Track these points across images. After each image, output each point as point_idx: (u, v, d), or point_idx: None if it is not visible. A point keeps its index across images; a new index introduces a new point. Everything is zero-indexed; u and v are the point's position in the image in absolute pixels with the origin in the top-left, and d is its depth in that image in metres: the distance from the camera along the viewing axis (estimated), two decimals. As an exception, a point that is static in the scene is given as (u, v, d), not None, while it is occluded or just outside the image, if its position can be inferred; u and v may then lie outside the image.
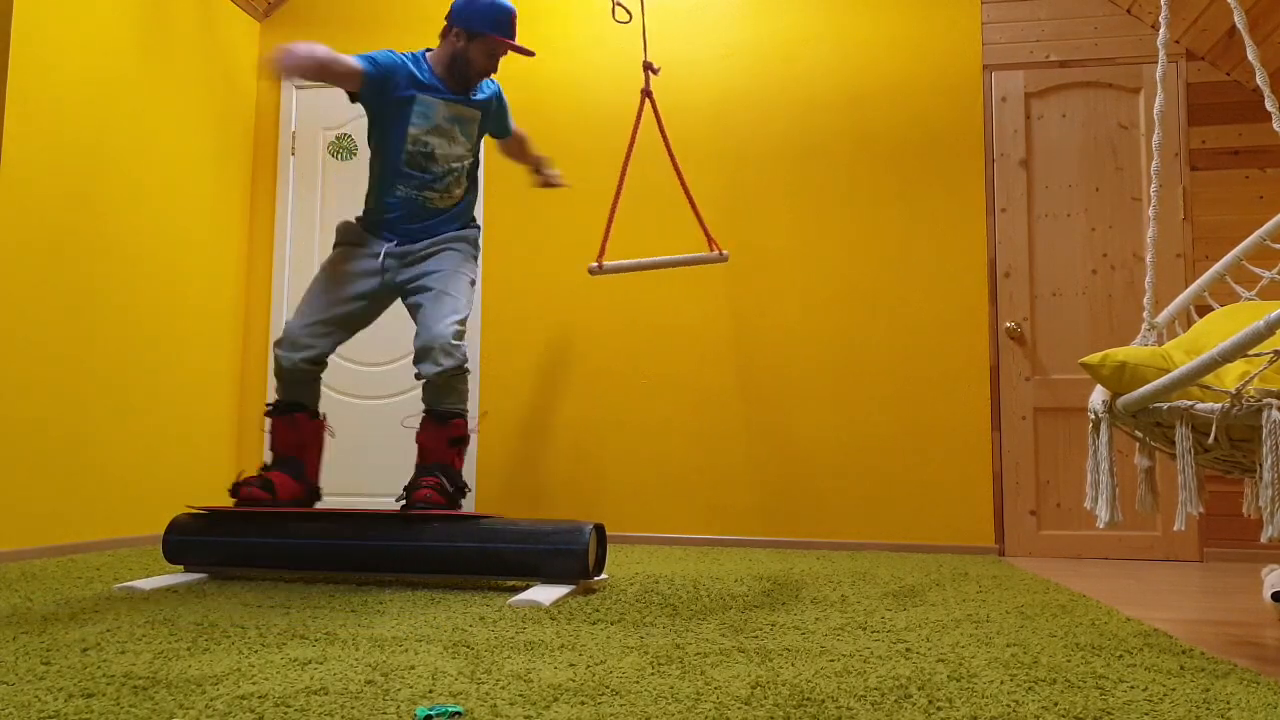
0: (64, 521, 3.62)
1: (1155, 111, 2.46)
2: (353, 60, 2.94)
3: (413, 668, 1.69)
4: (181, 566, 3.05)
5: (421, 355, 2.86)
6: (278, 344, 2.94)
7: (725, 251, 3.34)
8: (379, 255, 3.01)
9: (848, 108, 4.42)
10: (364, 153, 4.74)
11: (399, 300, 3.13)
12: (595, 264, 2.91)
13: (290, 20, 4.88)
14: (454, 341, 2.85)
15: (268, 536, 2.84)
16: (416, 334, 2.90)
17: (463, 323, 2.92)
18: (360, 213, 3.18)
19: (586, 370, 4.47)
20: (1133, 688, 1.61)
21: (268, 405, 3.03)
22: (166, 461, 4.18)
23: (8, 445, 3.38)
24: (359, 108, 4.75)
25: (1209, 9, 3.90)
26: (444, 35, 3.05)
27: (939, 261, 4.28)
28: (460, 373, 2.89)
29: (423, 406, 2.96)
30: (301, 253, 4.75)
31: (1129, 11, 4.26)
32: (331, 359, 4.64)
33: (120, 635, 1.97)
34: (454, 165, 3.07)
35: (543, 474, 4.45)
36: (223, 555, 2.86)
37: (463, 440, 2.93)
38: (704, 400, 4.38)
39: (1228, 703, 1.52)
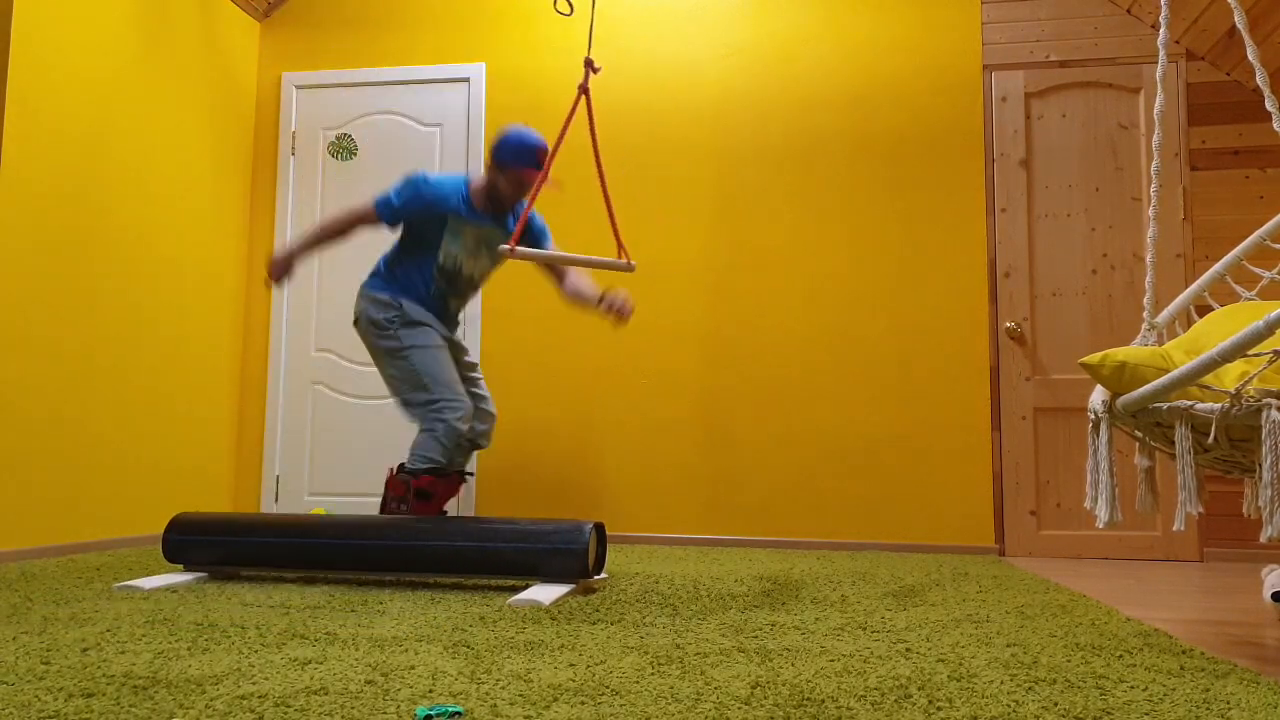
0: (64, 521, 3.62)
1: (1155, 111, 2.46)
2: (357, 209, 3.33)
3: (413, 668, 1.69)
4: (181, 566, 3.06)
5: (487, 434, 3.49)
6: (460, 419, 3.27)
7: (633, 262, 3.41)
8: (445, 337, 3.44)
9: (848, 108, 4.43)
10: (365, 154, 4.75)
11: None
12: (507, 247, 2.98)
13: (290, 20, 4.89)
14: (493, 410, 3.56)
15: (268, 536, 2.84)
16: (480, 415, 3.46)
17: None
18: (384, 269, 3.42)
19: (586, 370, 4.47)
20: (1133, 688, 1.61)
21: (423, 468, 3.25)
22: (166, 461, 4.18)
23: (8, 445, 3.38)
24: (359, 108, 4.79)
25: (1209, 9, 3.90)
26: (487, 167, 3.40)
27: (939, 261, 4.29)
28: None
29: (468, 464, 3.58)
30: (301, 253, 4.75)
31: (1129, 11, 4.26)
32: (329, 359, 4.67)
33: (120, 635, 1.97)
34: (477, 280, 3.48)
35: (543, 474, 4.45)
36: (223, 555, 2.86)
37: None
38: (704, 400, 4.38)
39: (1228, 703, 1.52)
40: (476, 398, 3.48)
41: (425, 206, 3.31)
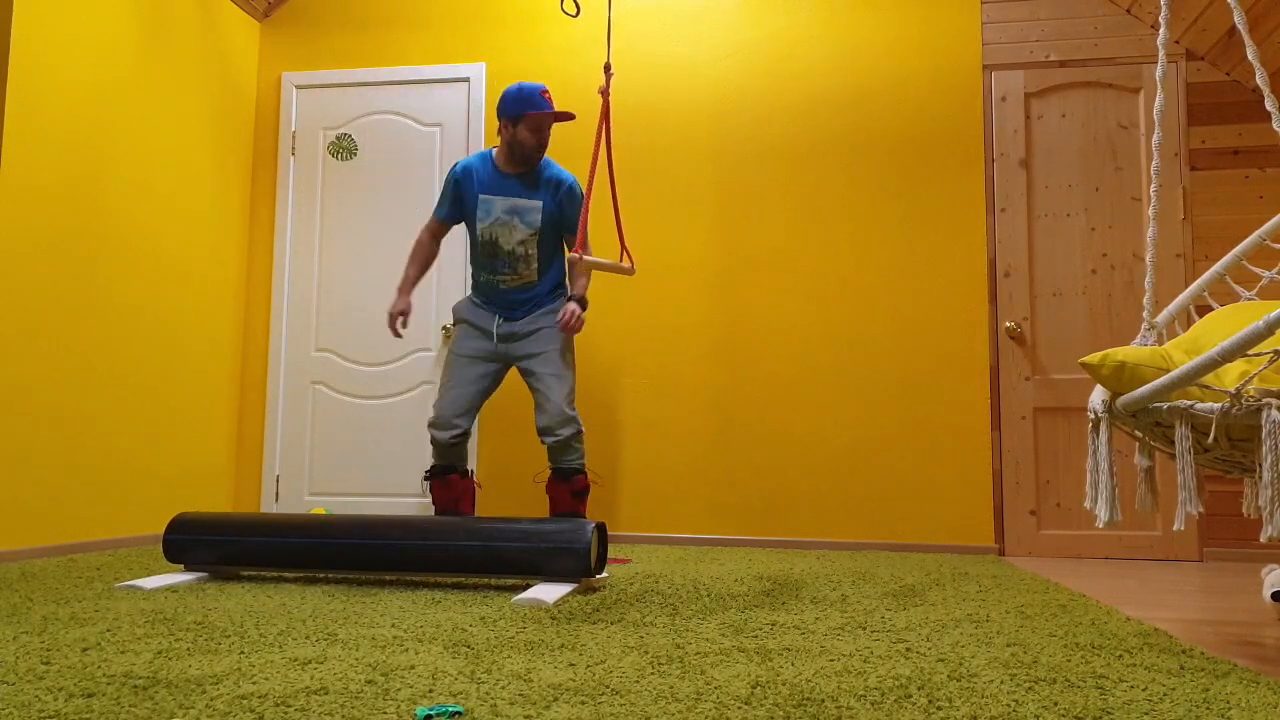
0: (64, 521, 3.62)
1: (1155, 111, 2.46)
2: (434, 225, 3.63)
3: (413, 668, 1.69)
4: (181, 566, 3.06)
5: (545, 431, 3.40)
6: (431, 424, 3.45)
7: (634, 266, 3.54)
8: (493, 334, 3.50)
9: (848, 108, 4.43)
10: (365, 153, 4.75)
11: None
12: (577, 255, 3.16)
13: (290, 20, 4.89)
14: (569, 413, 3.40)
15: (268, 536, 2.84)
16: (539, 412, 3.42)
17: (573, 393, 3.46)
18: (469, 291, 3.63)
19: (587, 370, 4.47)
20: (1133, 687, 1.61)
21: (425, 471, 3.53)
22: (166, 461, 4.18)
23: (8, 445, 3.38)
24: (359, 108, 4.79)
25: (1209, 9, 3.90)
26: (500, 133, 3.50)
27: (939, 261, 4.28)
28: (577, 435, 3.43)
29: (548, 465, 3.53)
30: (301, 252, 4.75)
31: (1129, 11, 4.26)
32: (331, 359, 4.67)
33: (120, 635, 1.97)
34: (517, 250, 3.49)
35: (543, 474, 4.45)
36: (223, 555, 2.86)
37: (584, 492, 3.45)
38: (704, 400, 4.38)
39: (1228, 703, 1.52)
40: (535, 393, 3.47)
41: (455, 184, 3.53)
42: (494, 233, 3.48)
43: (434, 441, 3.47)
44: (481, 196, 3.50)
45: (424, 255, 3.63)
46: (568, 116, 3.49)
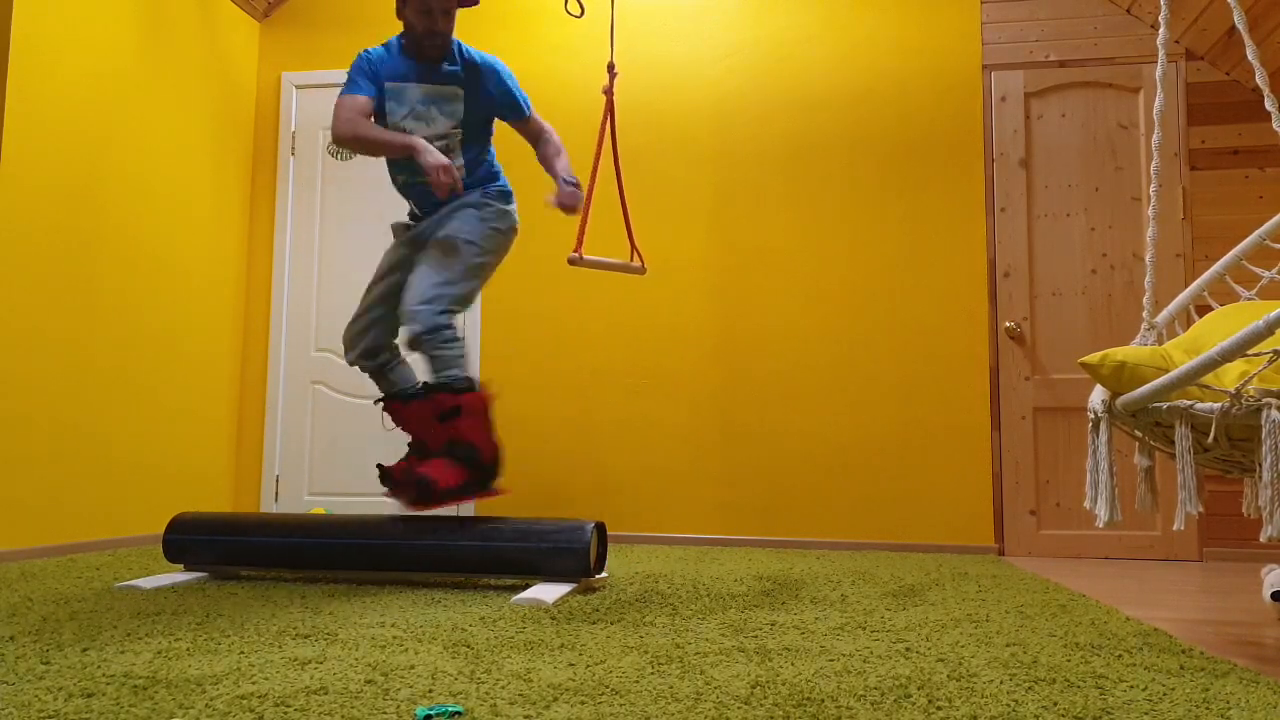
0: (64, 521, 3.62)
1: (1155, 111, 2.46)
2: (363, 106, 2.93)
3: (413, 668, 1.69)
4: (181, 566, 3.06)
5: (402, 316, 2.85)
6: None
7: (645, 265, 3.39)
8: (405, 238, 3.06)
9: (847, 108, 4.43)
10: (369, 165, 4.73)
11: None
12: (577, 255, 3.01)
13: (290, 20, 4.89)
14: (417, 307, 2.79)
15: (268, 536, 2.84)
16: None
17: (453, 290, 2.87)
18: None
19: (586, 370, 4.47)
20: (1132, 687, 1.61)
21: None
22: (166, 461, 4.18)
23: (8, 445, 3.38)
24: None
25: (1209, 9, 3.90)
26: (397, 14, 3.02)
27: (939, 261, 4.28)
28: (432, 338, 2.79)
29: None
30: (301, 252, 4.75)
31: (1129, 11, 4.26)
32: (331, 359, 4.66)
33: (120, 635, 1.97)
34: (438, 146, 2.97)
35: (543, 474, 4.45)
36: (223, 555, 2.86)
37: (453, 413, 2.81)
38: (704, 400, 4.38)
39: (1227, 702, 1.52)
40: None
41: (367, 63, 2.97)
42: (408, 126, 2.96)
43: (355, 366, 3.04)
44: (389, 85, 2.96)
45: (371, 127, 2.95)
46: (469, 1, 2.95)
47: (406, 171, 3.02)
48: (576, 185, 2.95)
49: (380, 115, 2.98)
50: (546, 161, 3.09)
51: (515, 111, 3.08)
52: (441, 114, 2.99)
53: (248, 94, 4.79)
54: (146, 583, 2.68)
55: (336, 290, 4.70)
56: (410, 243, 3.07)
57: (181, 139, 4.29)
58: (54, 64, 3.57)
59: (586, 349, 4.48)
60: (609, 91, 3.19)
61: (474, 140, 3.06)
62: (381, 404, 3.05)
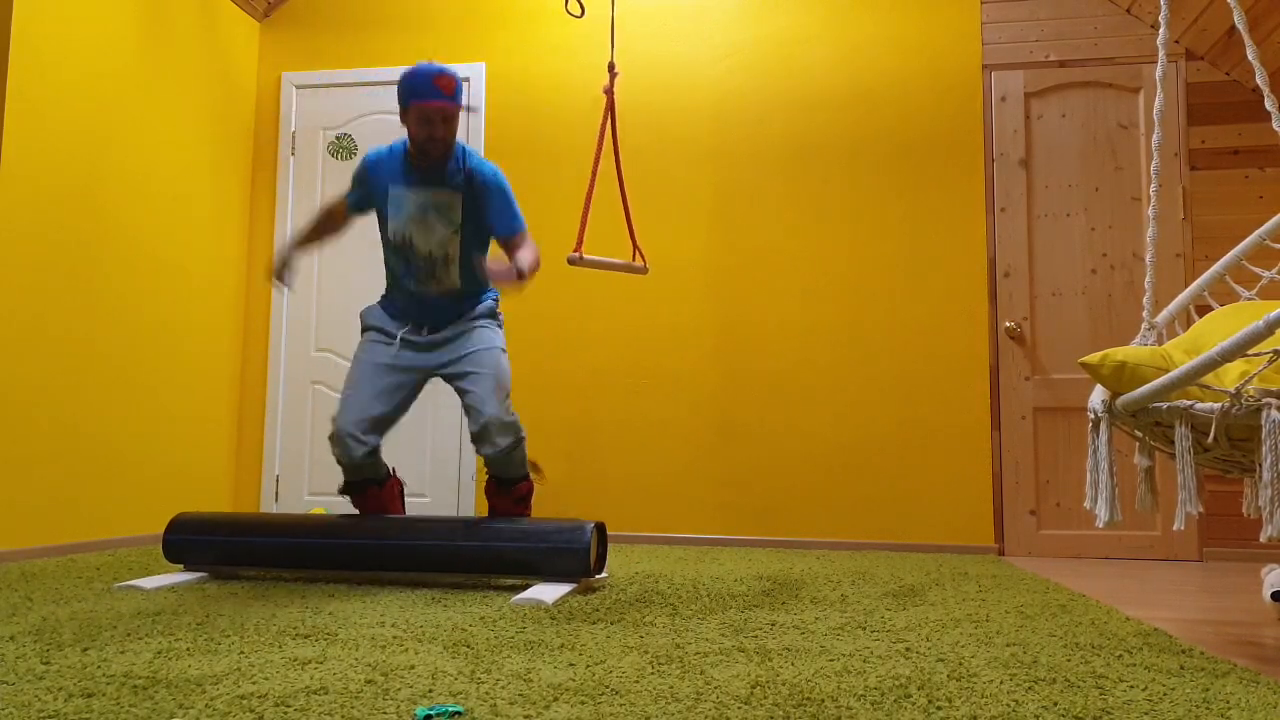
0: (64, 521, 3.62)
1: (1155, 111, 2.46)
2: (340, 205, 3.10)
3: (413, 668, 1.69)
4: (181, 566, 3.06)
5: (479, 438, 2.91)
6: (332, 439, 2.94)
7: (647, 265, 3.39)
8: (411, 344, 3.05)
9: (847, 107, 4.43)
10: (364, 154, 4.75)
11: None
12: (577, 254, 3.04)
13: (290, 20, 4.88)
14: (506, 419, 2.92)
15: (268, 536, 2.84)
16: (470, 418, 2.93)
17: (508, 395, 2.99)
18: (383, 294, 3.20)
19: (586, 370, 4.47)
20: (1132, 687, 1.61)
21: (340, 486, 3.10)
22: (166, 461, 4.18)
23: (8, 445, 3.38)
24: (359, 108, 4.79)
25: (1209, 9, 3.90)
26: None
27: (939, 261, 4.28)
28: (518, 445, 2.96)
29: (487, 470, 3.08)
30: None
31: (1129, 11, 4.26)
32: (329, 359, 4.66)
33: (120, 635, 1.97)
34: (435, 252, 3.01)
35: (543, 473, 4.45)
36: (223, 555, 2.86)
37: (526, 498, 3.08)
38: (704, 400, 4.38)
39: (1227, 702, 1.52)
40: (465, 395, 3.00)
41: (367, 169, 3.03)
42: (408, 233, 2.98)
43: (341, 461, 2.96)
44: (392, 190, 2.99)
45: (325, 221, 3.09)
46: (453, 105, 2.89)
47: (403, 277, 3.05)
48: (519, 276, 2.80)
49: (382, 217, 3.05)
50: (512, 252, 3.01)
51: (508, 229, 3.03)
52: (441, 221, 3.00)
53: (248, 94, 4.79)
54: (146, 583, 2.68)
55: (336, 291, 4.70)
56: (418, 355, 3.05)
57: (181, 139, 4.29)
58: (54, 64, 3.57)
59: (586, 349, 4.48)
60: (609, 91, 3.20)
61: (471, 239, 3.05)
62: (369, 489, 3.06)
